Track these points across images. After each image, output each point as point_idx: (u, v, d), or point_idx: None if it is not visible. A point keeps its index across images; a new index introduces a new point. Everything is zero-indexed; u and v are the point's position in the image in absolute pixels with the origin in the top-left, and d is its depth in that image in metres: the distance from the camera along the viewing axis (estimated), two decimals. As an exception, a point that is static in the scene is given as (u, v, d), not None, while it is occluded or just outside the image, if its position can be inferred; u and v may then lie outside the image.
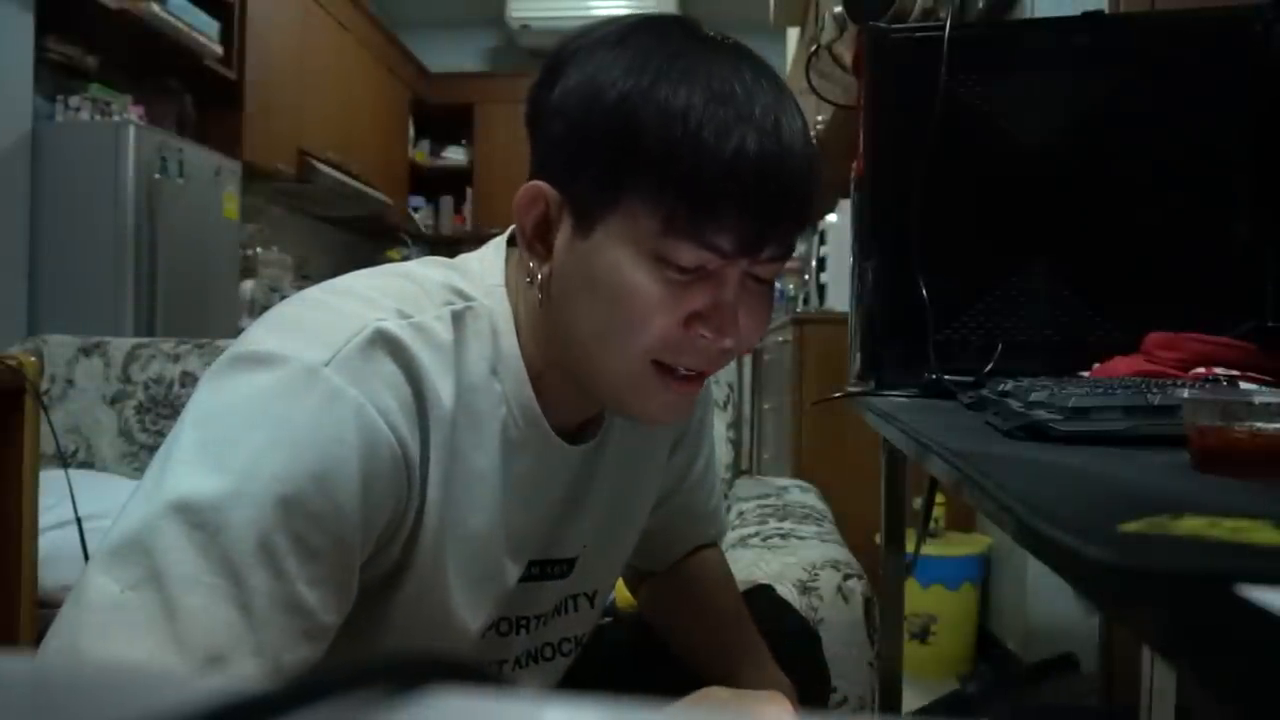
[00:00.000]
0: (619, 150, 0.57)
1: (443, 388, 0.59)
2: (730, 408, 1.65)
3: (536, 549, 0.71)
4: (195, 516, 0.50)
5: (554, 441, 0.67)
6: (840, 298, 2.91)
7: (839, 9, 1.21)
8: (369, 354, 0.56)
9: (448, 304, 0.62)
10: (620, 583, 1.03)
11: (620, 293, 0.59)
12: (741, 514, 1.48)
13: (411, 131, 5.72)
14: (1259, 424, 0.40)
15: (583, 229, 0.60)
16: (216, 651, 0.49)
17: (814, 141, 0.62)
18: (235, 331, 2.18)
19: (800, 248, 4.38)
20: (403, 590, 0.62)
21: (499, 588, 0.67)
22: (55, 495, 1.25)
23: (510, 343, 0.64)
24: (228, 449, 0.52)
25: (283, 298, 0.97)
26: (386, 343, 0.57)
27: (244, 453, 0.52)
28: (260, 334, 0.58)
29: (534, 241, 0.63)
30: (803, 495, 1.62)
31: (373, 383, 0.56)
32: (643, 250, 0.58)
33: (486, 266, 0.67)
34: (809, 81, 1.39)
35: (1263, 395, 0.42)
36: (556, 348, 0.65)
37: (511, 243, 0.69)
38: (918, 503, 1.58)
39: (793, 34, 4.75)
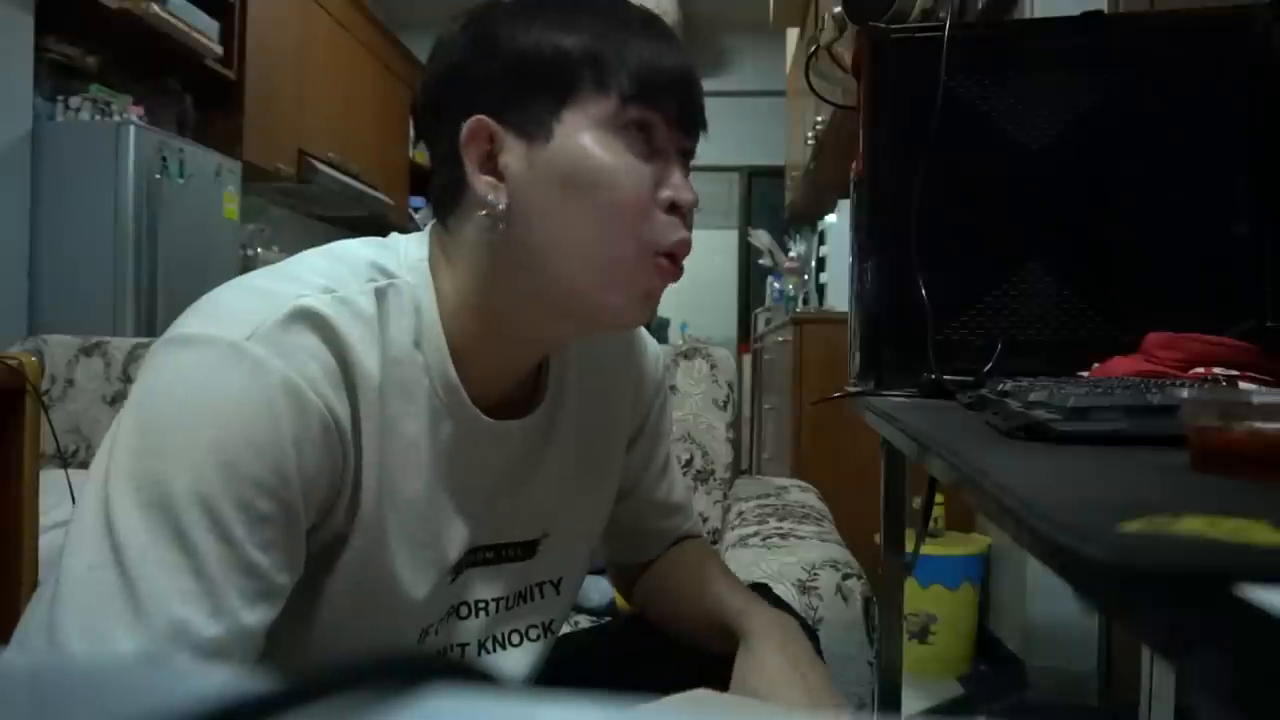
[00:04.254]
0: (558, 55, 0.64)
1: (368, 357, 0.62)
2: (730, 408, 1.65)
3: (487, 531, 0.73)
4: (143, 495, 0.54)
5: (472, 413, 0.69)
6: (840, 298, 2.91)
7: (839, 9, 1.21)
8: (290, 328, 0.59)
9: (371, 280, 0.65)
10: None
11: (597, 173, 0.64)
12: (741, 514, 1.48)
13: (411, 132, 5.70)
14: (1259, 424, 0.40)
15: (540, 138, 0.64)
16: (177, 619, 0.53)
17: None
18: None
19: (800, 247, 4.38)
20: (347, 557, 0.64)
21: (440, 556, 0.70)
22: (55, 495, 1.25)
23: (432, 317, 0.67)
24: (164, 428, 0.56)
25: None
26: (307, 317, 0.60)
27: (179, 429, 0.55)
28: (188, 318, 0.61)
29: (484, 173, 0.66)
30: (802, 495, 1.62)
31: (296, 354, 0.58)
32: (606, 127, 0.64)
33: (413, 245, 0.71)
34: (809, 81, 1.38)
35: (1262, 395, 0.42)
36: (512, 286, 0.68)
37: (438, 227, 0.72)
38: (917, 503, 1.58)
39: (792, 34, 4.75)
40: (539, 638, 0.81)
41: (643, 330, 0.89)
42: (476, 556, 0.74)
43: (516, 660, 0.79)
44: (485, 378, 0.70)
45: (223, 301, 0.62)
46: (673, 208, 0.67)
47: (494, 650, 0.78)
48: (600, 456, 0.83)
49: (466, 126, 0.65)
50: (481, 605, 0.76)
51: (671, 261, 0.67)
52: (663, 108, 0.65)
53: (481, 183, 0.65)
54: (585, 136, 0.64)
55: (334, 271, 0.64)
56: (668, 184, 0.67)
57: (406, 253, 0.70)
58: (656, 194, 0.66)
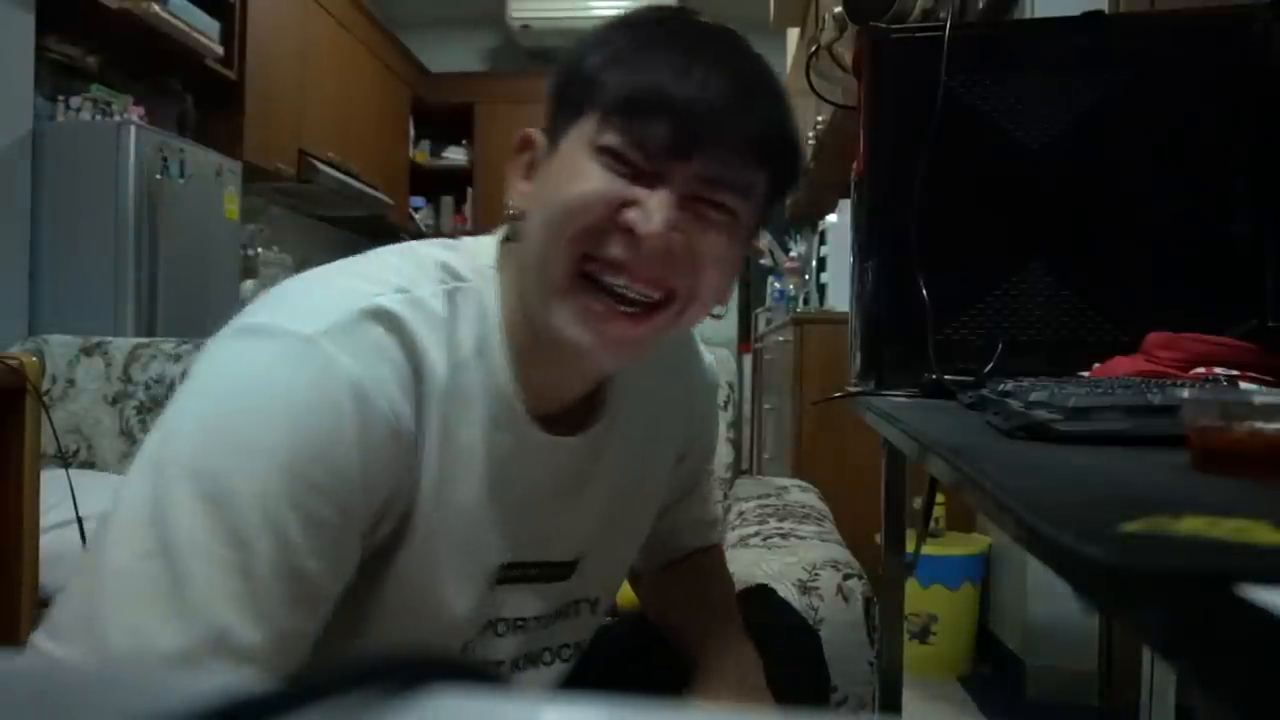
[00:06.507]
0: (574, 76, 0.64)
1: (437, 361, 0.61)
2: (730, 408, 1.65)
3: (533, 547, 0.72)
4: (201, 487, 0.52)
5: (528, 426, 0.68)
6: (840, 298, 2.91)
7: (839, 9, 1.21)
8: (364, 326, 0.58)
9: (442, 283, 0.64)
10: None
11: (565, 179, 0.63)
12: (741, 514, 1.48)
13: (411, 131, 5.72)
14: (1259, 424, 0.40)
15: (551, 152, 0.65)
16: (220, 620, 0.51)
17: (787, 99, 0.67)
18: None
19: (800, 248, 4.38)
20: (396, 565, 0.63)
21: (483, 568, 0.68)
22: (56, 495, 1.25)
23: (495, 324, 0.66)
24: (228, 421, 0.54)
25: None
26: (382, 316, 0.59)
27: (244, 424, 0.54)
28: (260, 308, 0.60)
29: (520, 181, 0.68)
30: (803, 495, 1.62)
31: (368, 354, 0.57)
32: (587, 146, 0.62)
33: (482, 249, 0.70)
34: (809, 81, 1.38)
35: (1263, 395, 0.42)
36: (527, 291, 0.67)
37: (508, 237, 0.71)
38: (918, 503, 1.58)
39: (793, 34, 4.75)
40: (569, 658, 0.80)
41: (696, 343, 0.88)
42: (516, 572, 0.71)
43: (545, 679, 0.78)
44: (544, 391, 0.68)
45: (295, 292, 0.61)
46: (630, 231, 0.61)
47: (524, 668, 0.76)
48: (648, 480, 0.81)
49: (519, 136, 0.67)
50: (519, 624, 0.74)
51: (608, 301, 0.62)
52: (638, 130, 0.60)
53: (515, 188, 0.67)
54: (572, 154, 0.63)
55: (408, 270, 0.63)
56: (639, 204, 0.61)
57: (476, 255, 0.69)
58: (619, 214, 0.61)
